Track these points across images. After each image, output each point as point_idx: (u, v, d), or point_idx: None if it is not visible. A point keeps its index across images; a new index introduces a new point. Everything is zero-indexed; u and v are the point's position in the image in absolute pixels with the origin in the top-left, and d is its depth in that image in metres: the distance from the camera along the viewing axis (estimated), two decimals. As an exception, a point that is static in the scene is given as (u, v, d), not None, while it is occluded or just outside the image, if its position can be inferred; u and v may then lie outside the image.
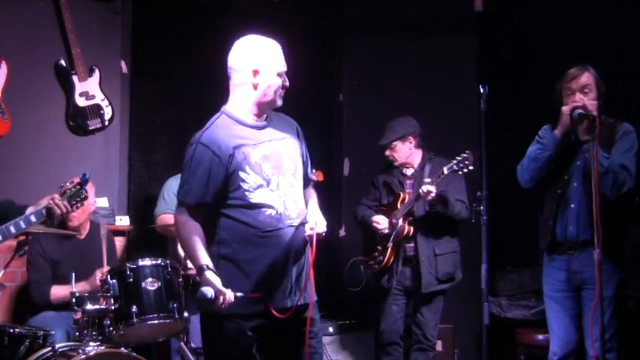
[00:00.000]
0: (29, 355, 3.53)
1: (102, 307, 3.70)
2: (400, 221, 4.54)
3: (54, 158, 4.83)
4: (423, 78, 5.76)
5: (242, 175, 2.92)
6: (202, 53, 5.35)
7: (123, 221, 5.03)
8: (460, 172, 4.30)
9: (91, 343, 3.59)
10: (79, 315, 3.67)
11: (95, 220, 4.64)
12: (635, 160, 3.66)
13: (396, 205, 4.62)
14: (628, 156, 3.65)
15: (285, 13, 5.77)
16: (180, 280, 3.98)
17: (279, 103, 3.04)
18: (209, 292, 2.74)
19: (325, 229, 3.01)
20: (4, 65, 4.51)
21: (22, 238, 3.48)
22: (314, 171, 3.36)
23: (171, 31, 5.39)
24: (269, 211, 2.94)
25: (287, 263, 2.97)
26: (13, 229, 3.29)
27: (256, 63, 2.96)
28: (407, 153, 4.69)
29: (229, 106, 3.04)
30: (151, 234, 4.96)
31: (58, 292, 4.22)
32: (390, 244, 4.59)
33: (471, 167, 4.27)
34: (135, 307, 3.71)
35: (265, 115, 3.06)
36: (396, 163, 4.74)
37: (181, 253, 4.39)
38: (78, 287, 3.79)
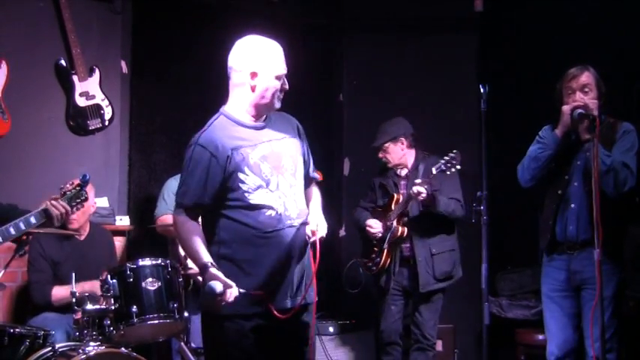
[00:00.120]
0: (29, 355, 3.53)
1: (102, 307, 3.70)
2: (394, 222, 4.55)
3: (54, 158, 4.83)
4: (423, 78, 5.76)
5: (241, 176, 2.92)
6: (202, 53, 5.36)
7: (123, 221, 5.03)
8: (448, 172, 4.30)
9: (91, 343, 3.59)
10: (79, 315, 3.67)
11: (95, 220, 4.65)
12: (636, 160, 3.66)
13: (390, 206, 4.63)
14: (629, 155, 3.65)
15: (285, 13, 5.77)
16: (181, 280, 3.99)
17: (278, 105, 3.03)
18: (218, 286, 2.74)
19: (326, 232, 3.00)
20: (4, 65, 4.51)
21: (23, 237, 3.47)
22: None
23: (172, 31, 5.39)
24: (269, 212, 2.93)
25: (288, 264, 2.97)
26: (12, 231, 3.29)
27: (255, 65, 2.94)
28: (400, 154, 4.70)
29: (228, 107, 3.04)
30: (151, 234, 4.96)
31: (59, 292, 4.21)
32: (386, 246, 4.60)
33: (458, 166, 4.28)
34: (135, 307, 3.71)
35: (265, 116, 3.05)
36: (389, 165, 4.75)
37: (182, 253, 4.40)
38: (79, 288, 3.78)
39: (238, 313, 2.88)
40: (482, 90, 3.67)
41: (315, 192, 3.20)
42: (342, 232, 5.86)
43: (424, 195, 4.33)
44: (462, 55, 5.77)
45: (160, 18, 5.35)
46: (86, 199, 3.53)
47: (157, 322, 3.78)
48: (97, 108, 4.93)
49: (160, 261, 3.90)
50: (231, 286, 2.78)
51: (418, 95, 5.71)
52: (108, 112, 4.98)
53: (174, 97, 5.44)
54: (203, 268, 2.83)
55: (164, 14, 5.35)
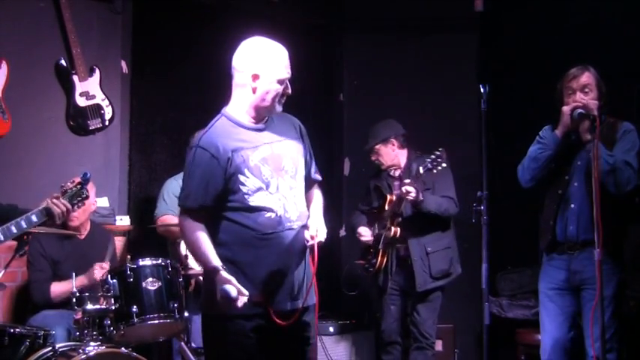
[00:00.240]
0: (30, 355, 3.53)
1: (102, 307, 3.70)
2: (388, 223, 4.56)
3: (54, 158, 4.83)
4: (423, 78, 5.76)
5: (241, 178, 2.91)
6: (202, 53, 5.35)
7: (123, 221, 5.03)
8: (434, 170, 4.31)
9: (92, 343, 3.58)
10: (79, 315, 3.67)
11: (95, 220, 4.65)
12: (637, 159, 3.67)
13: (384, 207, 4.65)
14: (630, 154, 3.66)
15: (285, 13, 5.76)
16: (181, 280, 3.98)
17: (279, 109, 3.01)
18: (232, 290, 2.75)
19: (325, 237, 2.97)
20: (4, 65, 4.51)
21: (23, 237, 3.47)
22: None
23: (172, 31, 5.38)
24: (269, 214, 2.93)
25: (287, 266, 2.96)
26: (14, 229, 3.30)
27: (257, 67, 2.92)
28: (391, 155, 4.71)
29: (229, 108, 3.03)
30: (151, 234, 4.96)
31: (57, 288, 4.21)
32: (381, 247, 4.61)
33: (444, 164, 4.30)
34: (135, 307, 3.71)
35: (266, 118, 3.04)
36: (383, 167, 4.77)
37: (182, 252, 4.40)
38: (77, 282, 3.77)
39: (239, 314, 2.87)
40: (482, 90, 3.67)
41: (317, 194, 3.18)
42: (342, 232, 5.86)
43: (413, 194, 4.34)
44: (462, 55, 5.77)
45: (160, 18, 5.35)
46: (87, 197, 3.52)
47: (157, 322, 3.78)
48: (97, 108, 4.93)
49: (160, 261, 3.90)
50: (244, 293, 2.78)
51: (418, 95, 5.72)
52: (108, 112, 4.98)
53: (174, 97, 5.43)
54: (213, 271, 2.83)
55: (164, 14, 5.34)
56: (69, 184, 3.45)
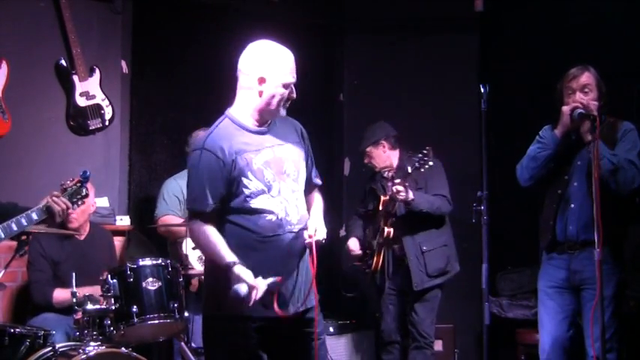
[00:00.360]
0: (30, 355, 3.52)
1: (102, 307, 3.69)
2: (381, 224, 4.57)
3: (54, 158, 4.83)
4: (424, 78, 5.76)
5: (245, 181, 2.91)
6: (202, 53, 5.36)
7: (123, 221, 5.03)
8: (422, 169, 4.32)
9: (92, 343, 3.59)
10: (79, 315, 3.67)
11: (95, 220, 4.65)
12: (639, 158, 3.67)
13: (378, 208, 4.66)
14: (632, 153, 3.66)
15: (286, 13, 5.76)
16: (181, 280, 3.98)
17: (283, 113, 3.01)
18: (242, 289, 2.75)
19: (325, 237, 2.97)
20: (4, 65, 4.51)
21: (23, 237, 3.48)
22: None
23: (172, 31, 5.39)
24: (269, 217, 2.93)
25: (288, 268, 2.96)
26: (14, 227, 3.30)
27: (264, 71, 2.92)
28: (383, 157, 4.73)
29: (233, 110, 3.02)
30: (151, 234, 4.96)
31: (60, 295, 4.19)
32: (377, 248, 4.63)
33: (431, 162, 4.31)
34: (135, 307, 3.71)
35: (269, 121, 3.03)
36: (376, 169, 4.78)
37: (183, 252, 4.40)
38: (79, 292, 3.76)
39: (241, 315, 2.87)
40: (482, 90, 3.67)
41: (317, 198, 3.17)
42: (343, 232, 5.86)
43: (403, 194, 4.35)
44: (462, 55, 5.77)
45: (160, 18, 5.35)
46: (87, 196, 3.52)
47: (157, 322, 3.78)
48: (98, 108, 4.93)
49: (160, 261, 3.90)
50: (256, 287, 2.77)
51: (418, 95, 5.72)
52: (108, 112, 4.97)
53: (175, 97, 5.43)
54: (227, 268, 2.82)
55: (164, 14, 5.34)
56: (68, 182, 3.45)
